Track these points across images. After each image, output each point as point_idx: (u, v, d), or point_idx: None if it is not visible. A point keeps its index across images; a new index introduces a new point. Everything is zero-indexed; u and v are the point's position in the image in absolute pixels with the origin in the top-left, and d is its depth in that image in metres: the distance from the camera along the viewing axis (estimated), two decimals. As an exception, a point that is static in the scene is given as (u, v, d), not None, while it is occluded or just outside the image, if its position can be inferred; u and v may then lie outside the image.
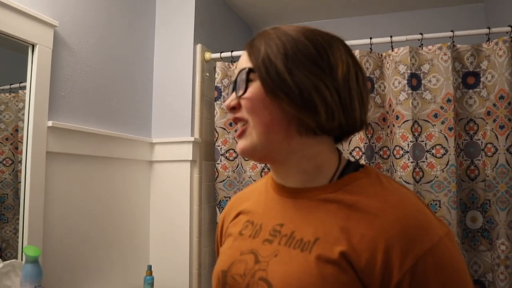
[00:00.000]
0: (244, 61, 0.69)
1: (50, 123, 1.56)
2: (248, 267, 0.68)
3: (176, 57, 2.29)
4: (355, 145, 2.03)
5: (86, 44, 1.82)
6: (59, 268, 1.62)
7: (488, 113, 1.92)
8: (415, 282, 0.56)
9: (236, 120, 0.71)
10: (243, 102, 0.68)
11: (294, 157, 0.68)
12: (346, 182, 0.67)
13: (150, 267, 1.98)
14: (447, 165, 1.90)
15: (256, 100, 0.66)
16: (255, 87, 0.67)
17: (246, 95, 0.67)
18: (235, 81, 0.70)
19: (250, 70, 0.67)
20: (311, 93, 0.63)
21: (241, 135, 0.70)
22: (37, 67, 1.53)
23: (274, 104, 0.65)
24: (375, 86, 2.07)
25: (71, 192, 1.69)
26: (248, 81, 0.67)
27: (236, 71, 0.71)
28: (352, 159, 2.02)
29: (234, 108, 0.70)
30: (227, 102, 0.71)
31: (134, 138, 2.07)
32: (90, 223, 1.79)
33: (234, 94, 0.71)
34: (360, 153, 2.01)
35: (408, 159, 1.95)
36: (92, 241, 1.80)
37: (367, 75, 2.05)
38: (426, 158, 1.95)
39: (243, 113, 0.69)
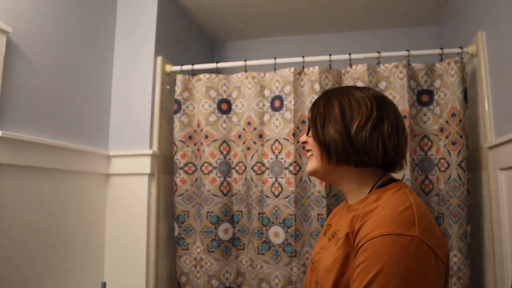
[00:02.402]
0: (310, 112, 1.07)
1: (0, 133, 1.49)
2: (319, 255, 1.01)
3: (136, 69, 2.25)
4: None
5: (41, 52, 1.76)
6: (8, 284, 1.53)
7: (441, 129, 2.00)
8: (361, 251, 0.83)
9: (306, 151, 1.08)
10: (308, 139, 1.06)
11: (344, 179, 1.02)
12: (367, 197, 0.97)
13: (104, 284, 1.90)
14: (403, 179, 1.95)
15: (313, 140, 1.03)
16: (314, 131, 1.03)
17: (310, 135, 1.06)
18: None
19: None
20: (330, 144, 0.97)
21: (309, 160, 1.06)
22: (-13, 74, 1.46)
23: None
24: (334, 101, 2.11)
25: (22, 205, 1.61)
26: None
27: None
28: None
29: (304, 142, 1.08)
30: (301, 138, 1.10)
31: (91, 150, 2.01)
32: (42, 237, 1.71)
33: (305, 133, 1.09)
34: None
35: (366, 174, 1.98)
36: (44, 257, 1.71)
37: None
38: (383, 173, 1.98)
39: (309, 146, 1.06)
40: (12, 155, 1.55)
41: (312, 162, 1.04)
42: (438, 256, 0.81)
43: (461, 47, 2.03)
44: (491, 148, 1.81)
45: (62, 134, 1.87)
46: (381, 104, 0.98)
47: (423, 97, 2.06)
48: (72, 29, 1.96)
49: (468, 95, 2.04)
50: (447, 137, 1.97)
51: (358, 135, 0.94)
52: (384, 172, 1.00)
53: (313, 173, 1.04)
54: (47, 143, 1.71)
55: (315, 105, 1.05)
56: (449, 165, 1.95)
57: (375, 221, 0.84)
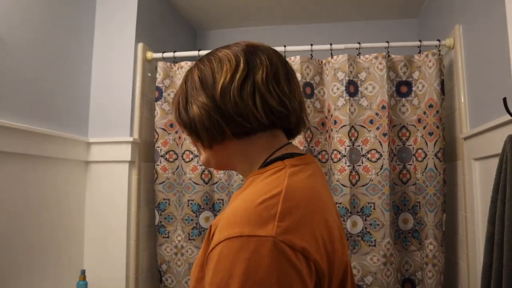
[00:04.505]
0: None
1: (-24, 118, 1.46)
2: None
3: (116, 55, 2.22)
4: (295, 149, 2.07)
5: (19, 36, 1.72)
6: (-17, 273, 1.51)
7: (419, 120, 2.04)
8: (209, 258, 0.62)
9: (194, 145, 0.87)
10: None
11: (237, 161, 0.80)
12: (248, 180, 0.76)
13: (83, 272, 1.90)
14: (381, 169, 1.99)
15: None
16: None
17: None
18: None
19: None
20: (196, 123, 0.76)
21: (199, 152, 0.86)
22: (-37, 57, 1.43)
23: None
24: (315, 91, 2.13)
25: (-2, 191, 1.59)
26: None
27: None
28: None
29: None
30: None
31: (69, 136, 1.99)
32: (19, 224, 1.68)
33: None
34: (300, 156, 2.05)
35: (345, 163, 2.01)
36: (21, 244, 1.69)
37: (307, 80, 2.11)
38: (362, 162, 2.02)
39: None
40: (-10, 140, 1.53)
41: (200, 152, 0.85)
42: (310, 259, 0.60)
43: (439, 40, 2.07)
44: (466, 138, 1.86)
45: (40, 120, 1.85)
46: (251, 53, 0.78)
47: (402, 88, 2.10)
48: (50, 12, 1.92)
49: (445, 87, 2.08)
50: (424, 127, 2.01)
51: (226, 97, 0.74)
52: (283, 144, 0.80)
53: (206, 163, 0.85)
54: (24, 129, 1.69)
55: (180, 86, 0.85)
56: (426, 155, 1.99)
57: (226, 219, 0.63)
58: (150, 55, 2.29)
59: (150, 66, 2.35)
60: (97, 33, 2.26)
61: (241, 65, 0.75)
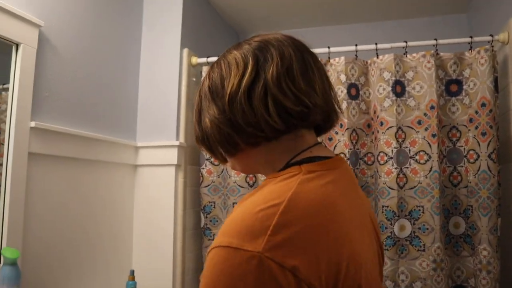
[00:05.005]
0: None
1: (33, 124, 1.54)
2: None
3: (162, 61, 2.28)
4: (339, 151, 2.04)
5: (71, 45, 1.80)
6: (39, 271, 1.59)
7: (471, 120, 1.95)
8: None
9: None
10: None
11: (261, 166, 0.74)
12: (262, 183, 0.69)
13: (132, 272, 1.95)
14: (430, 171, 1.92)
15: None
16: None
17: None
18: None
19: None
20: (209, 137, 0.72)
21: None
22: (20, 67, 1.51)
23: None
24: (360, 92, 2.09)
25: (53, 194, 1.66)
26: None
27: None
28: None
29: None
30: None
31: (119, 141, 2.06)
32: (71, 226, 1.76)
33: None
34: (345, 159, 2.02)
35: (392, 165, 1.96)
36: (73, 245, 1.77)
37: (352, 81, 2.07)
38: (410, 164, 1.96)
39: None
40: (44, 145, 1.61)
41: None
42: (301, 279, 0.53)
43: (491, 35, 1.97)
44: (522, 138, 1.76)
45: (92, 125, 1.92)
46: (262, 50, 0.69)
47: (451, 87, 2.02)
48: (100, 22, 2.00)
49: (499, 85, 1.99)
50: (476, 127, 1.92)
51: (234, 106, 0.67)
52: (307, 146, 0.71)
53: (233, 168, 0.80)
54: (77, 134, 1.76)
55: None
56: (478, 156, 1.91)
57: (225, 224, 0.59)
58: (195, 60, 2.34)
59: (194, 70, 2.39)
60: (144, 41, 2.33)
61: (249, 67, 0.67)
